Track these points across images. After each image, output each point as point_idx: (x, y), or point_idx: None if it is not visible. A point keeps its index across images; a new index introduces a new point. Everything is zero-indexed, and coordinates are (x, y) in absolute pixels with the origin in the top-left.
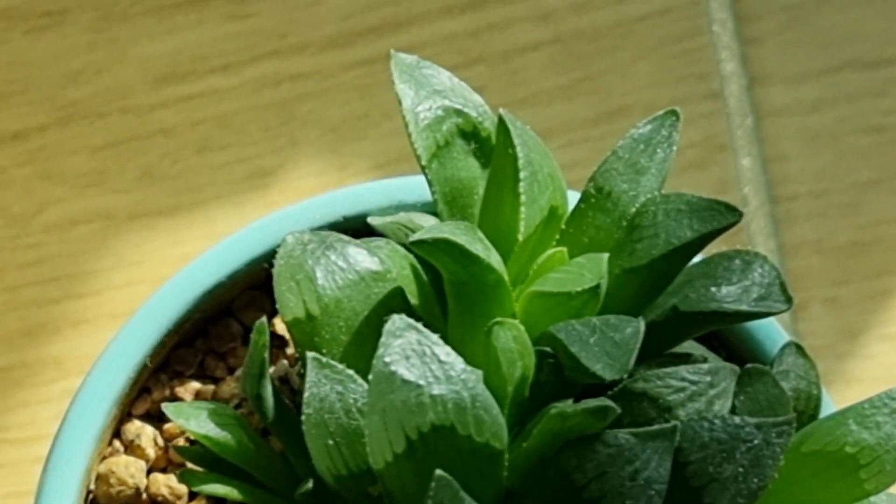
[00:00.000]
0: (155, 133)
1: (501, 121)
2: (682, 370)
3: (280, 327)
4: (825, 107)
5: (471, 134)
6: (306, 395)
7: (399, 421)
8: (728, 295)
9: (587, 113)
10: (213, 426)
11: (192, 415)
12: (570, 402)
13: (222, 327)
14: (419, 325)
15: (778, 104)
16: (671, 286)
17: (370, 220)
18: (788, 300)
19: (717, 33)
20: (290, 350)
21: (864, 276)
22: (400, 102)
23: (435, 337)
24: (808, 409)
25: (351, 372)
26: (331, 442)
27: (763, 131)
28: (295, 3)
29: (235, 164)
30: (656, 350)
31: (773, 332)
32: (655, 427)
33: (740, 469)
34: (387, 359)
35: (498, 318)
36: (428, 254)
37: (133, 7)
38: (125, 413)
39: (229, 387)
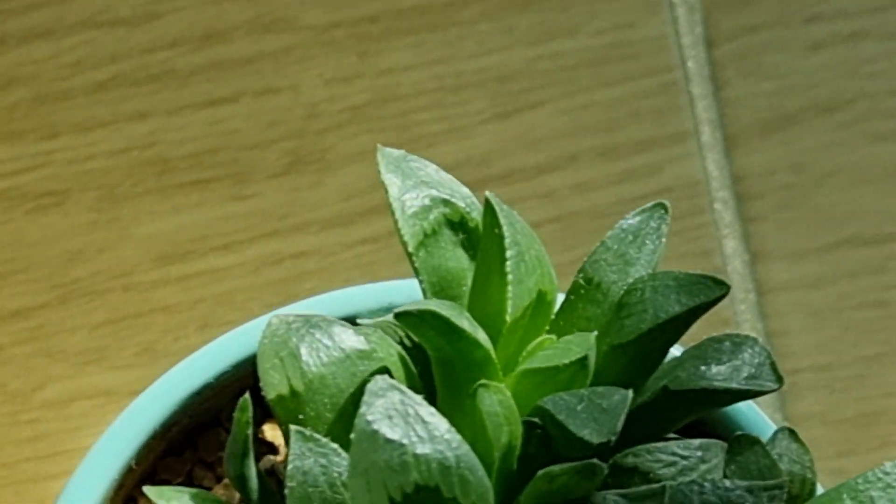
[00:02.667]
0: (156, 310)
1: (488, 202)
2: (672, 445)
3: (269, 434)
4: (827, 283)
5: (458, 224)
6: (290, 467)
7: (382, 481)
8: (718, 374)
9: None
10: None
11: (175, 497)
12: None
13: (211, 436)
14: (402, 387)
15: (780, 280)
16: (660, 369)
17: (360, 321)
18: (779, 379)
19: (719, 211)
20: (279, 457)
21: (869, 447)
22: (386, 191)
23: (418, 398)
24: (803, 494)
25: (335, 446)
26: None
27: (766, 307)
28: (296, 184)
29: None
30: (647, 434)
31: (759, 421)
32: (644, 488)
33: None
34: (369, 417)
35: (483, 381)
36: (413, 327)
37: (135, 188)
38: None
39: (217, 495)
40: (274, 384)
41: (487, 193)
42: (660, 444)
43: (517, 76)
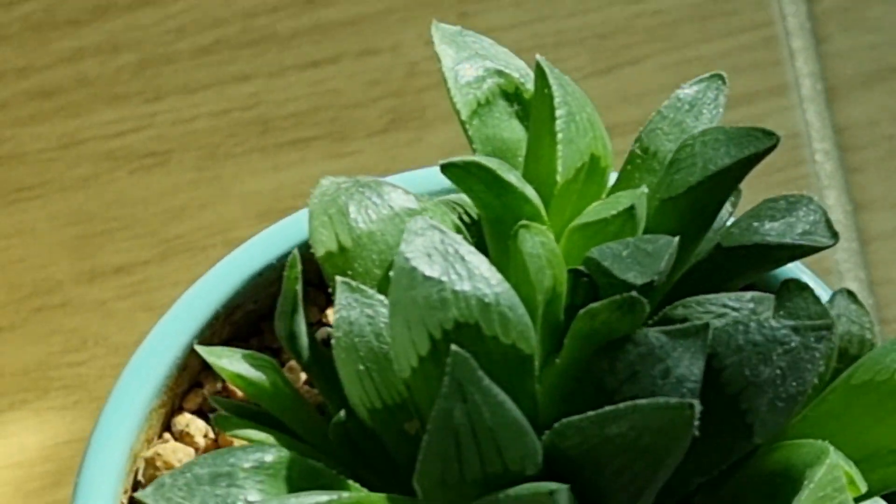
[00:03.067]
0: None
1: (538, 65)
2: (724, 297)
3: (332, 318)
4: None
5: (513, 95)
6: (336, 317)
7: (421, 318)
8: (772, 230)
9: None
10: (248, 367)
11: (226, 355)
12: None
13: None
14: (443, 227)
15: (883, 229)
16: (715, 229)
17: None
18: (834, 235)
19: (820, 163)
20: None
21: None
22: (440, 61)
23: (459, 237)
24: (862, 354)
25: (381, 297)
26: (361, 367)
27: (869, 256)
28: (395, 142)
29: None
30: (701, 293)
31: (816, 287)
32: (686, 325)
33: (777, 372)
34: (408, 255)
35: (524, 222)
36: (459, 180)
37: (237, 147)
38: (176, 407)
39: None
40: (323, 241)
41: (538, 56)
42: (711, 296)
43: (617, 33)
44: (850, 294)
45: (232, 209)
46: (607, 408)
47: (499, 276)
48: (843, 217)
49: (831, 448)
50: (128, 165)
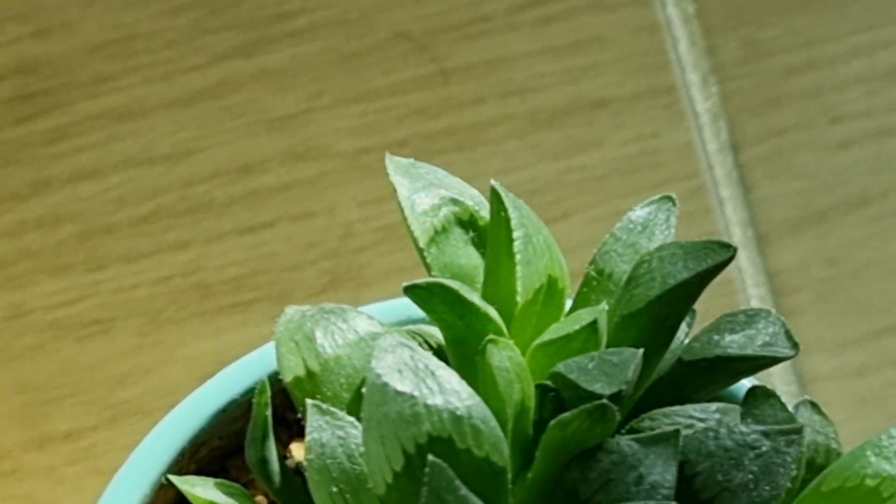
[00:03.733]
0: None
1: (493, 189)
2: (689, 408)
3: (297, 453)
4: (870, 371)
5: (468, 223)
6: (308, 439)
7: (395, 433)
8: (733, 342)
9: None
10: (220, 493)
11: (199, 483)
12: None
13: (241, 460)
14: (412, 343)
15: (822, 371)
16: (674, 346)
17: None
18: (794, 345)
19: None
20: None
21: None
22: (395, 191)
23: (428, 353)
24: (829, 463)
25: (352, 419)
26: (335, 489)
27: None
28: (334, 301)
29: None
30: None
31: None
32: (657, 431)
33: (750, 476)
34: (379, 371)
35: (492, 337)
36: (423, 301)
37: (179, 312)
38: None
39: None
40: (290, 366)
41: (493, 181)
42: (676, 408)
43: (546, 189)
44: (814, 405)
45: (176, 373)
46: None
47: (469, 389)
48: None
49: None
50: (73, 334)
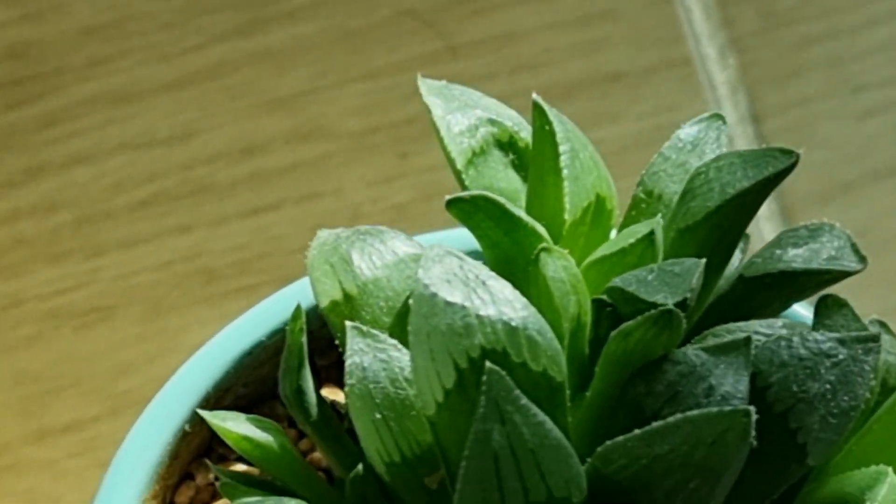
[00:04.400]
0: None
1: (536, 104)
2: (755, 323)
3: (330, 397)
4: None
5: (507, 144)
6: (348, 363)
7: (445, 347)
8: (797, 256)
9: None
10: (254, 428)
11: (231, 418)
12: None
13: (267, 409)
14: (461, 254)
15: None
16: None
17: None
18: (862, 259)
19: None
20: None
21: None
22: (430, 112)
23: (479, 263)
24: None
25: (394, 341)
26: (378, 416)
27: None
28: None
29: None
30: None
31: None
32: (727, 339)
33: (827, 386)
34: (426, 281)
35: (545, 245)
36: (466, 217)
37: (182, 298)
38: (168, 501)
39: None
40: (326, 290)
41: (535, 95)
42: (741, 324)
43: None
44: (883, 324)
45: (180, 361)
46: (655, 424)
47: (524, 300)
48: None
49: (890, 469)
50: (71, 323)
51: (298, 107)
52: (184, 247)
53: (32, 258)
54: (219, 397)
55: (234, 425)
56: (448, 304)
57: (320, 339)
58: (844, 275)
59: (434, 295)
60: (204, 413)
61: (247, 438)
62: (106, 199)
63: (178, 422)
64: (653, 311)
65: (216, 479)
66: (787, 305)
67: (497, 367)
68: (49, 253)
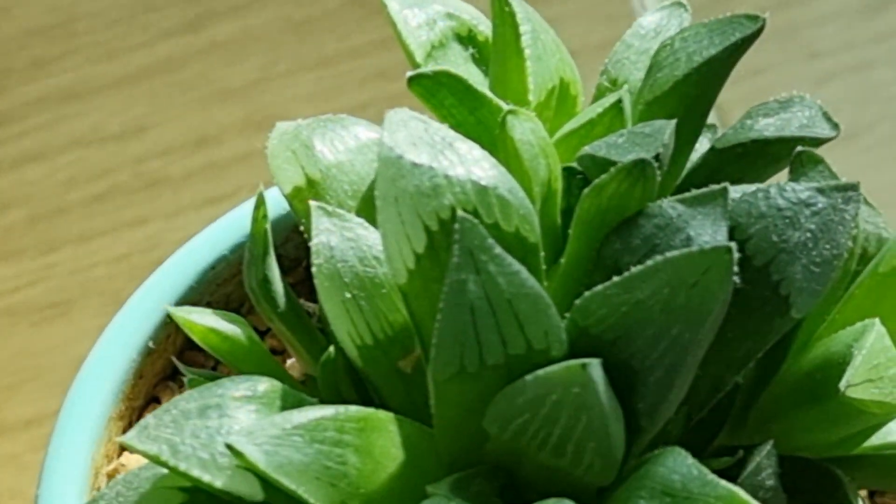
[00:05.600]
0: None
1: None
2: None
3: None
4: None
5: (467, 38)
6: (314, 243)
7: (414, 209)
8: (768, 125)
9: None
10: (220, 320)
11: (196, 311)
12: None
13: None
14: (425, 118)
15: None
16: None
17: None
18: (835, 126)
19: None
20: None
21: None
22: (385, 7)
23: (445, 127)
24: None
25: (361, 220)
26: (348, 295)
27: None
28: None
29: None
30: None
31: None
32: (704, 190)
33: (808, 235)
34: (391, 144)
35: (512, 107)
36: (429, 95)
37: None
38: (134, 422)
39: None
40: (289, 177)
41: None
42: (714, 187)
43: None
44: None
45: None
46: (634, 269)
47: (493, 160)
48: None
49: (876, 319)
50: (28, 319)
51: (250, 97)
52: (140, 239)
53: None
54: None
55: (199, 318)
56: (415, 165)
57: (285, 257)
58: (817, 142)
59: (400, 157)
60: (170, 308)
61: (213, 331)
62: (59, 195)
63: (141, 338)
64: (626, 162)
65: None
66: (762, 178)
67: (469, 217)
68: (2, 251)
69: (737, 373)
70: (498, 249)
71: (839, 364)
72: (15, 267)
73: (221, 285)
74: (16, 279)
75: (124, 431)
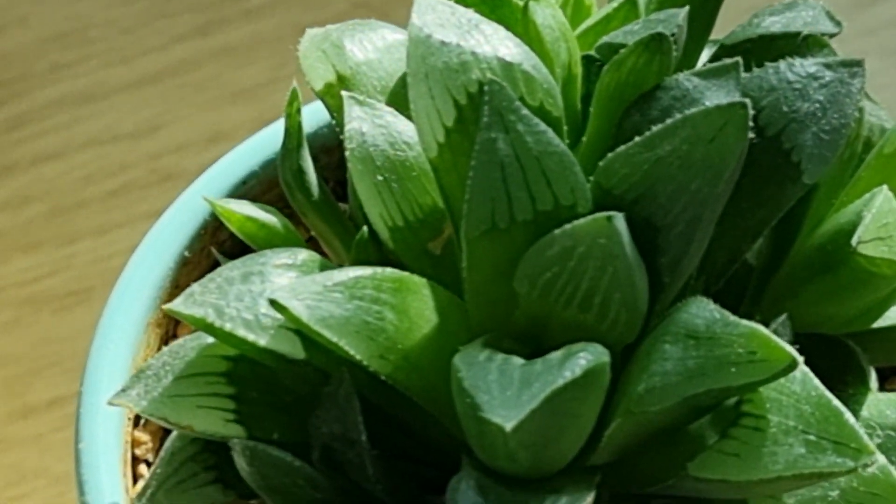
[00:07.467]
0: None
1: None
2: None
3: None
4: None
5: None
6: (347, 129)
7: (444, 84)
8: (774, 23)
9: None
10: (257, 209)
11: (233, 202)
12: None
13: None
14: (451, 3)
15: None
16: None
17: None
18: (838, 23)
19: None
20: None
21: None
22: None
23: (471, 10)
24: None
25: (391, 109)
26: (380, 178)
27: None
28: None
29: None
30: None
31: None
32: (717, 64)
33: (817, 105)
34: (420, 25)
35: None
36: None
37: None
38: (171, 333)
39: None
40: (320, 74)
41: None
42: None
43: None
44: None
45: None
46: (655, 128)
47: (517, 39)
48: None
49: (884, 185)
50: (49, 307)
51: (261, 96)
52: None
53: (7, 248)
54: (217, 227)
55: (237, 207)
56: (443, 43)
57: None
58: (821, 38)
59: (429, 36)
60: (208, 198)
61: (251, 219)
62: (77, 190)
63: (177, 247)
64: (643, 36)
65: None
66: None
67: (498, 79)
68: (23, 243)
69: (752, 242)
70: (525, 111)
71: (849, 232)
72: (36, 258)
73: (255, 199)
74: (37, 269)
75: (162, 338)
